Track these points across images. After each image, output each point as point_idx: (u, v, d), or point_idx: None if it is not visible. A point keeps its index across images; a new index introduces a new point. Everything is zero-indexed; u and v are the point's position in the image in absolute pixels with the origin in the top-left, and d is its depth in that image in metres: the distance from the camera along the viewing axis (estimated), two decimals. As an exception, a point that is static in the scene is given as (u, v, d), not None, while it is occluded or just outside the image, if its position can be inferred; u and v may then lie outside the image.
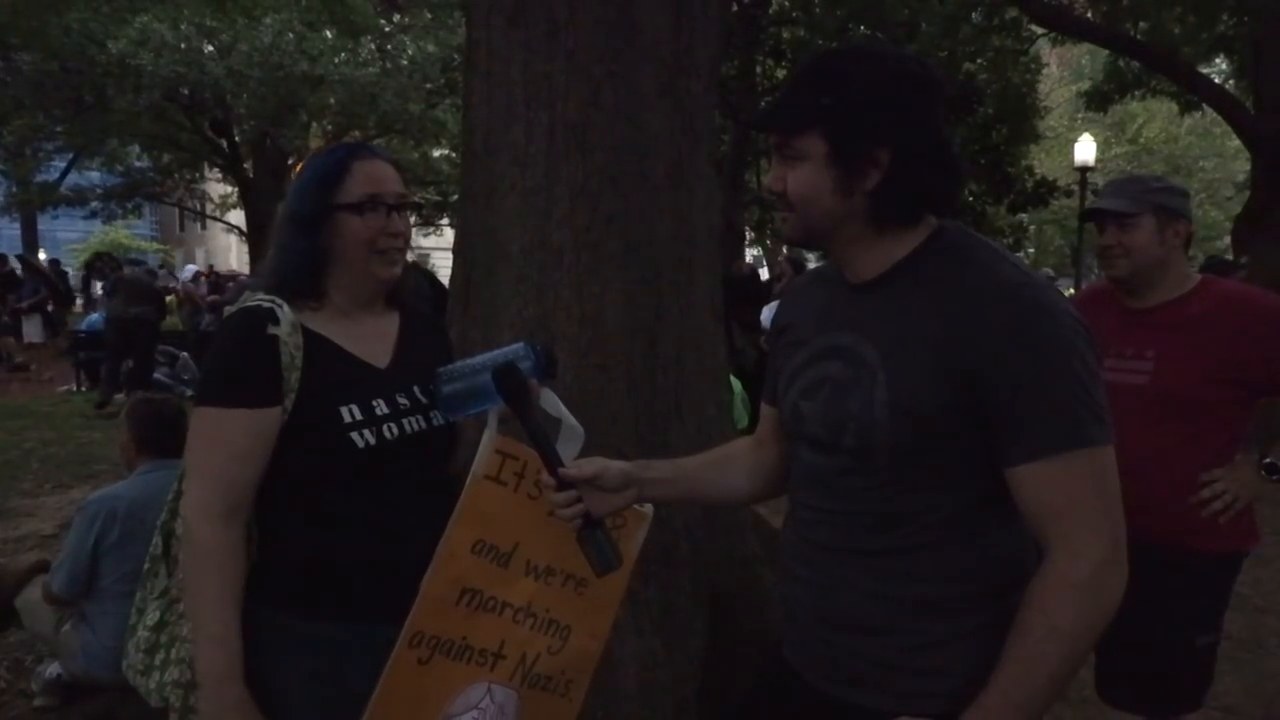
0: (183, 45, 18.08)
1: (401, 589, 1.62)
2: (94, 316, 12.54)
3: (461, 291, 2.76)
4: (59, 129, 21.23)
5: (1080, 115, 27.14)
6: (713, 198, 2.89)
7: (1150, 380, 2.38)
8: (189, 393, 9.08)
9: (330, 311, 1.73)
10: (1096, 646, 1.29)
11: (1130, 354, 2.43)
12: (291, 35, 18.47)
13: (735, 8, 12.62)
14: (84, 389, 11.36)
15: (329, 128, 22.26)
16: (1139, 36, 12.09)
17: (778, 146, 1.40)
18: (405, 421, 1.71)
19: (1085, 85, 18.32)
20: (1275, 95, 9.51)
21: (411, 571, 1.63)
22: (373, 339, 1.77)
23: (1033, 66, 16.48)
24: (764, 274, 15.75)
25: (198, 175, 27.83)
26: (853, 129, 1.33)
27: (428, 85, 19.41)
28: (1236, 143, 15.46)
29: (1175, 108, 15.70)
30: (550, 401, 1.77)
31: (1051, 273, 18.33)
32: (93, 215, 26.89)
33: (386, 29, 21.08)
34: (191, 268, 18.55)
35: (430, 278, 6.39)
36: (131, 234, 39.39)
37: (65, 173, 26.40)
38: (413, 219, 1.92)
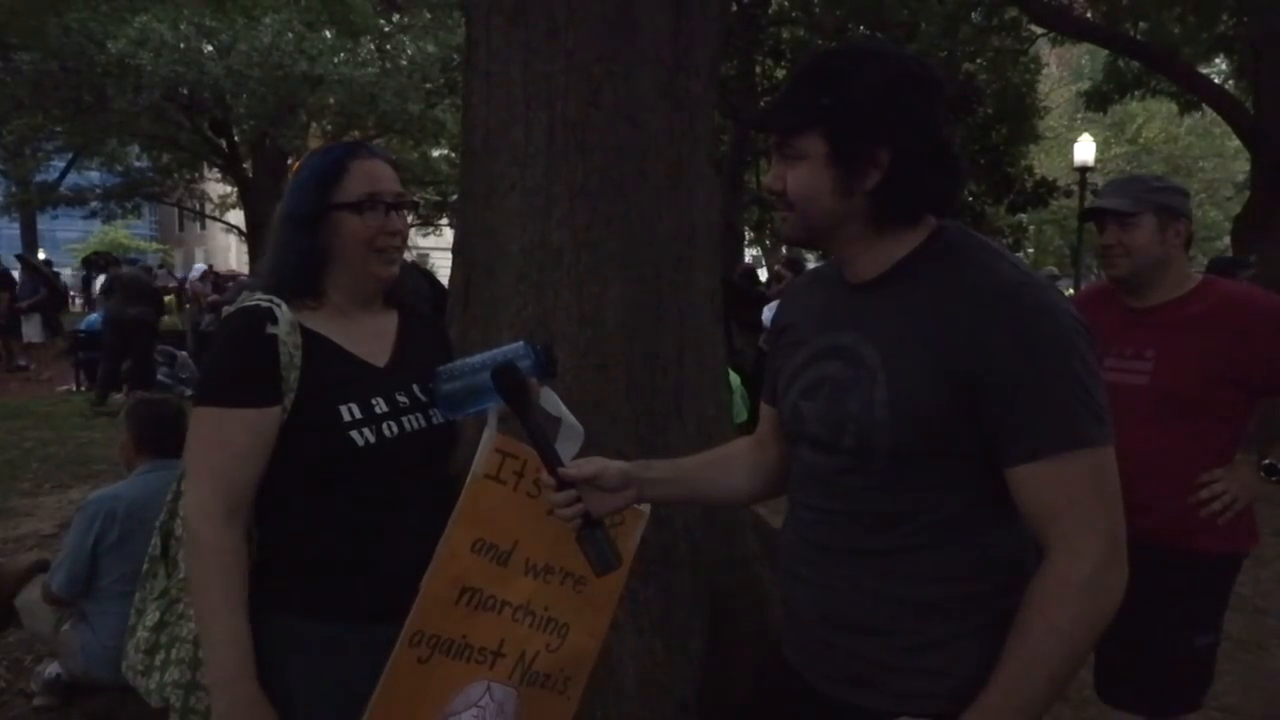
0: (182, 45, 18.07)
1: (401, 588, 1.62)
2: (93, 316, 12.52)
3: (461, 291, 2.75)
4: (58, 129, 21.22)
5: (1080, 115, 27.18)
6: (713, 198, 2.89)
7: (1150, 380, 2.38)
8: (188, 392, 9.08)
9: (329, 311, 1.73)
10: (1096, 646, 1.28)
11: (1130, 354, 2.43)
12: (291, 35, 18.46)
13: (735, 8, 12.61)
14: (83, 389, 11.37)
15: (328, 128, 22.25)
16: (1139, 36, 12.10)
17: (777, 146, 1.40)
18: (405, 420, 1.71)
19: (1085, 85, 18.35)
20: (1275, 95, 9.50)
21: (411, 570, 1.63)
22: (371, 338, 1.77)
23: (1032, 66, 16.48)
24: (763, 274, 15.78)
25: (197, 175, 27.84)
26: (853, 129, 1.32)
27: (427, 85, 19.40)
28: (1236, 143, 15.45)
29: (1175, 108, 15.73)
30: (550, 400, 1.78)
31: (1056, 271, 18.27)
32: (92, 215, 26.91)
33: (386, 29, 21.09)
34: (200, 267, 18.53)
35: (430, 278, 6.38)
36: (131, 234, 39.42)
37: (65, 173, 26.40)
38: (411, 219, 1.92)
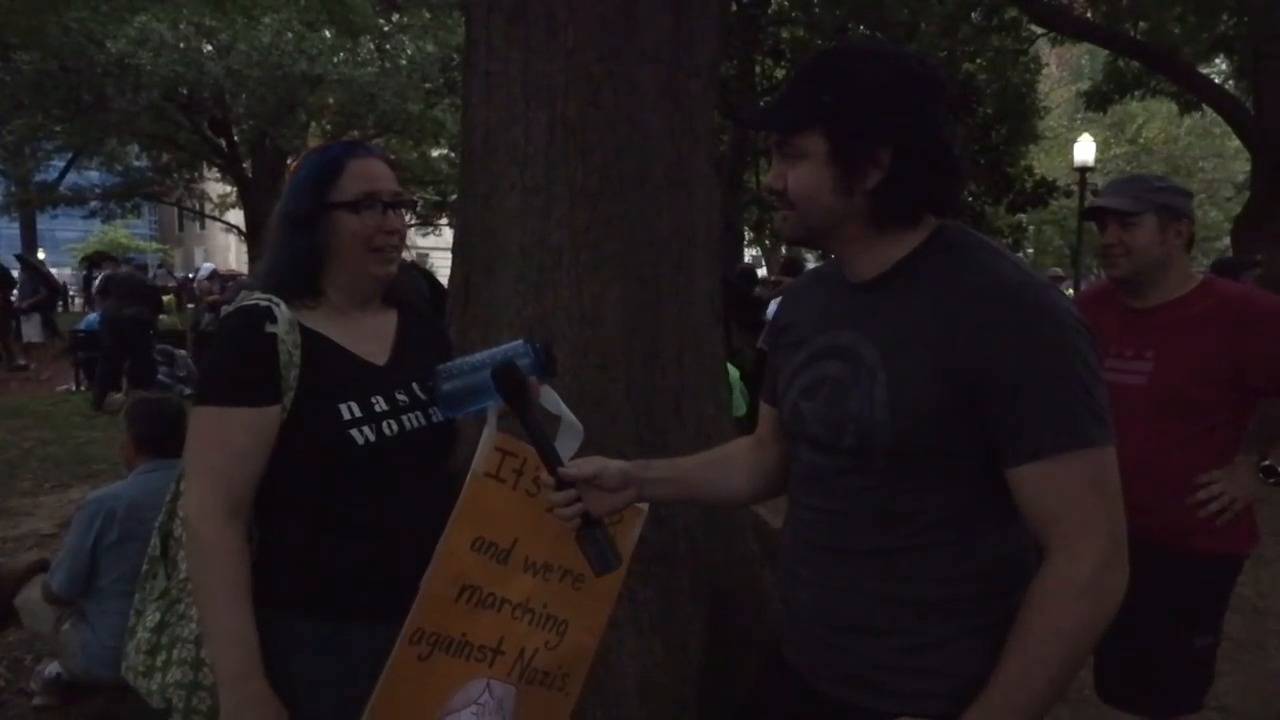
0: (181, 45, 18.10)
1: (401, 586, 1.62)
2: (92, 316, 12.52)
3: (460, 291, 2.75)
4: (58, 128, 21.24)
5: (1080, 115, 27.18)
6: (712, 198, 2.89)
7: (1149, 381, 2.38)
8: (187, 391, 9.08)
9: (328, 310, 1.73)
10: (1096, 646, 1.28)
11: (1130, 354, 2.43)
12: (290, 35, 18.48)
13: (735, 7, 12.62)
14: (83, 388, 11.37)
15: (328, 127, 22.27)
16: (1139, 36, 12.11)
17: (778, 145, 1.40)
18: (404, 418, 1.71)
19: (1085, 85, 18.35)
20: (1275, 95, 9.51)
21: (411, 569, 1.63)
22: (371, 337, 1.77)
23: (1032, 66, 16.49)
24: (763, 273, 15.79)
25: (196, 175, 27.86)
26: (853, 127, 1.32)
27: (426, 85, 19.42)
28: (1236, 143, 15.48)
29: (1175, 108, 15.74)
30: (550, 399, 1.78)
31: (1060, 272, 18.22)
32: (92, 215, 26.94)
33: (385, 29, 21.08)
34: (208, 266, 18.50)
35: (429, 277, 6.37)
36: (130, 234, 39.42)
37: (64, 172, 26.41)
38: (410, 219, 1.92)
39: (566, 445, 1.73)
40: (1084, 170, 17.21)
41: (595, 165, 2.56)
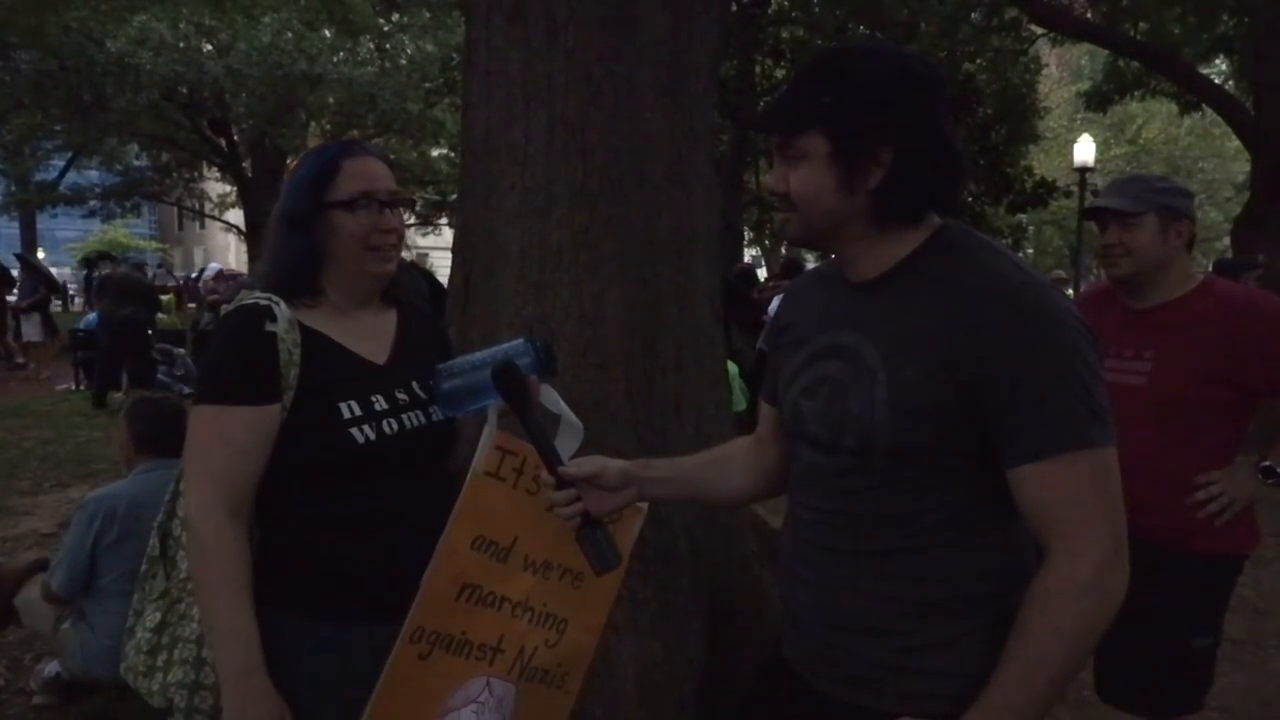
0: (181, 44, 18.10)
1: (402, 585, 1.62)
2: (92, 315, 12.51)
3: (460, 291, 2.75)
4: (58, 128, 21.25)
5: (1079, 116, 27.22)
6: (712, 198, 2.89)
7: (1149, 381, 2.37)
8: (186, 391, 9.07)
9: (327, 309, 1.73)
10: (1096, 647, 1.28)
11: (1129, 355, 2.42)
12: (290, 34, 18.49)
13: (735, 7, 12.62)
14: (83, 387, 11.37)
15: (327, 127, 22.29)
16: (1139, 37, 12.11)
17: (779, 147, 1.40)
18: (405, 417, 1.71)
19: (1084, 86, 18.37)
20: (1275, 96, 9.51)
21: (411, 567, 1.63)
22: (371, 336, 1.77)
23: (1032, 67, 16.50)
24: (762, 274, 15.79)
25: (196, 174, 27.89)
26: (854, 127, 1.32)
27: (426, 85, 19.42)
28: (1236, 143, 15.48)
29: (1175, 108, 15.75)
30: (550, 398, 1.78)
31: (1063, 274, 18.19)
32: (91, 214, 26.95)
33: (385, 28, 21.10)
34: (215, 266, 18.47)
35: (429, 277, 6.38)
36: (130, 233, 39.42)
37: (64, 172, 26.41)
38: (410, 218, 1.92)
39: (566, 445, 1.74)
40: (1084, 171, 17.23)
41: (595, 165, 2.56)
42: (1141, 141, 31.70)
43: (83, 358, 11.66)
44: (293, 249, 1.70)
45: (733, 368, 5.08)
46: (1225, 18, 12.11)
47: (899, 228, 1.38)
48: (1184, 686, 2.43)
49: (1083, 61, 28.75)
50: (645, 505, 1.80)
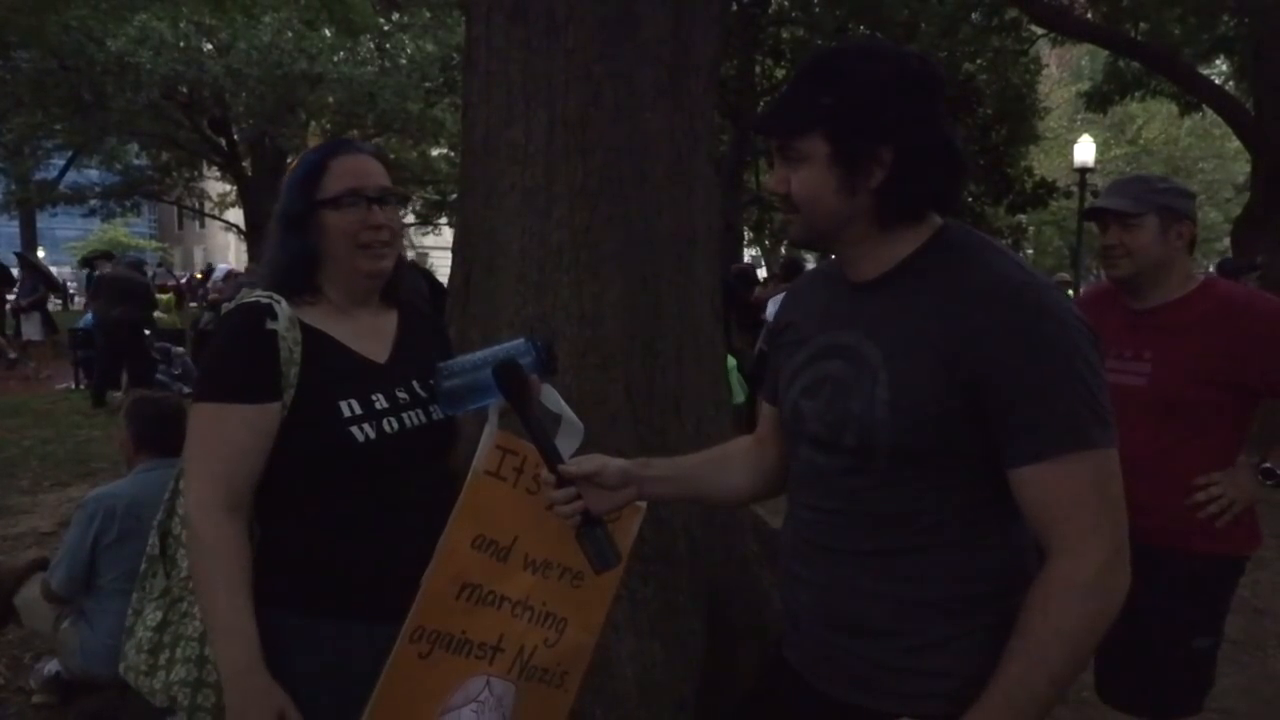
0: (181, 44, 18.10)
1: (402, 584, 1.62)
2: (90, 315, 12.53)
3: (461, 290, 2.75)
4: (58, 127, 21.24)
5: (1080, 116, 27.23)
6: (712, 197, 2.89)
7: (1148, 382, 2.37)
8: (186, 390, 9.07)
9: (327, 308, 1.73)
10: (1097, 648, 1.28)
11: (1129, 355, 2.42)
12: (290, 34, 18.49)
13: (735, 7, 12.61)
14: (82, 386, 11.37)
15: (327, 126, 22.29)
16: (1139, 37, 12.11)
17: (780, 149, 1.39)
18: (405, 416, 1.71)
19: (1085, 86, 18.36)
20: (1275, 96, 9.51)
21: (411, 566, 1.63)
22: (371, 335, 1.77)
23: (1032, 67, 16.49)
24: (762, 273, 15.79)
25: (196, 173, 27.88)
26: (854, 128, 1.32)
27: (426, 84, 19.41)
28: (1236, 144, 15.48)
29: (1175, 109, 15.74)
30: (551, 398, 1.78)
31: (1067, 277, 18.17)
32: (91, 213, 26.93)
33: (385, 28, 21.09)
34: (224, 267, 18.45)
35: (429, 277, 6.38)
36: (130, 232, 39.44)
37: (64, 171, 26.40)
38: (409, 216, 1.92)
39: (567, 444, 1.74)
40: (1084, 171, 17.22)
41: (595, 165, 2.56)
42: (1142, 142, 31.70)
43: (82, 357, 11.67)
44: (289, 249, 1.71)
45: (730, 360, 5.10)
46: (1226, 18, 12.11)
47: (900, 228, 1.38)
48: (1184, 687, 2.42)
49: (1083, 62, 28.74)
50: (644, 504, 1.80)
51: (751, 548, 2.88)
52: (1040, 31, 14.05)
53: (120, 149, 24.57)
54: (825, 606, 1.44)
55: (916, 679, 1.36)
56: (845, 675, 1.43)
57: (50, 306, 15.24)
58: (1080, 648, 1.24)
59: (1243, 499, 2.33)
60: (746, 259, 22.91)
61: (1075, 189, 17.07)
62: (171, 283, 20.70)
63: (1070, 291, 14.96)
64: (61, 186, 25.60)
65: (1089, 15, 12.96)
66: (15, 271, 14.91)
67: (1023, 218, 18.34)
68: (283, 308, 1.64)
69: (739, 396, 5.45)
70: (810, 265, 11.52)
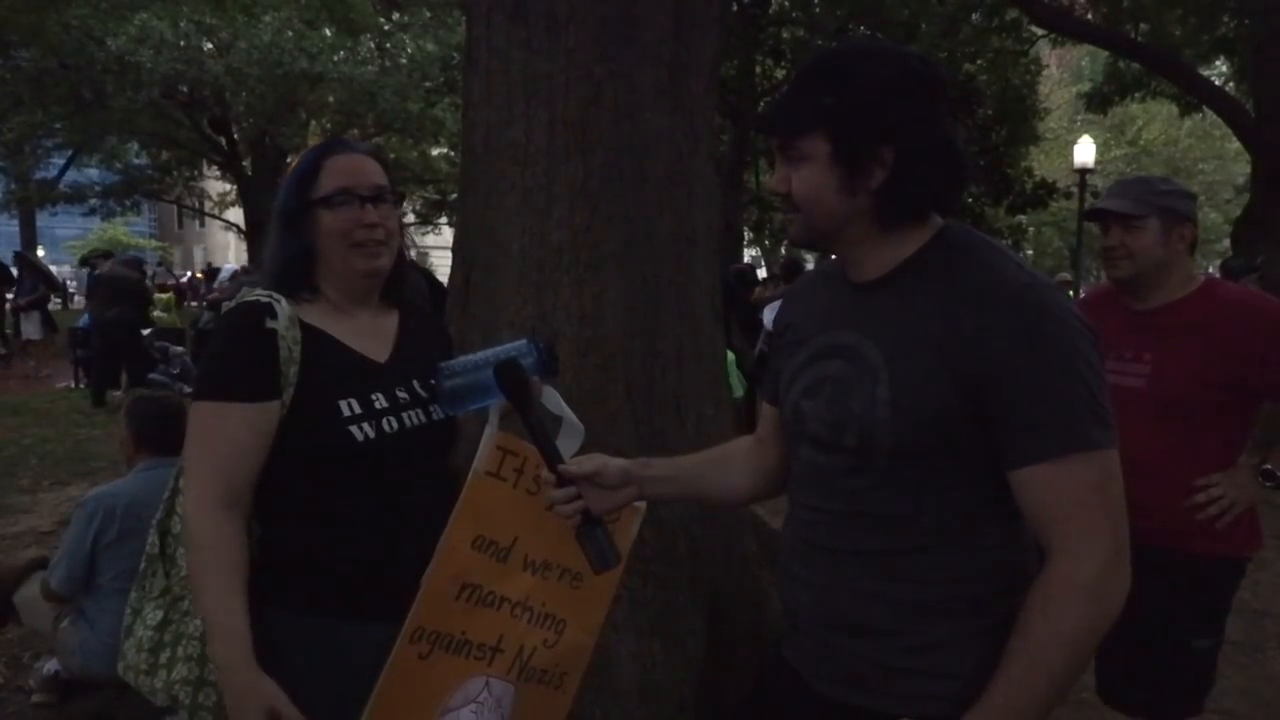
0: (182, 43, 18.09)
1: (401, 584, 1.62)
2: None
3: (461, 290, 2.75)
4: (58, 126, 21.23)
5: (1080, 117, 27.24)
6: (713, 197, 2.88)
7: (1148, 383, 2.37)
8: (186, 390, 9.07)
9: (327, 307, 1.73)
10: (1097, 649, 1.28)
11: (1129, 356, 2.42)
12: (290, 33, 18.49)
13: (735, 8, 12.62)
14: (82, 385, 11.37)
15: (328, 126, 22.30)
16: (1140, 38, 12.12)
17: (781, 148, 1.39)
18: (405, 416, 1.71)
19: (1085, 87, 18.37)
20: (1275, 97, 9.51)
21: (411, 567, 1.63)
22: (371, 334, 1.77)
23: (1032, 68, 16.51)
24: (762, 273, 15.79)
25: (196, 173, 27.87)
26: (855, 128, 1.32)
27: (427, 84, 19.43)
28: (1236, 145, 15.49)
29: (1175, 110, 15.77)
30: (551, 399, 1.78)
31: (1069, 277, 18.16)
32: (91, 212, 26.92)
33: (386, 27, 21.12)
34: (230, 267, 18.43)
35: (429, 276, 6.37)
36: (130, 231, 39.46)
37: (64, 170, 26.39)
38: (409, 216, 1.92)
39: (567, 445, 1.74)
40: (1084, 172, 17.20)
41: (595, 165, 2.56)
42: (1142, 143, 31.72)
43: (81, 356, 11.67)
44: (287, 248, 1.72)
45: (729, 355, 5.11)
46: (1226, 19, 12.13)
47: (901, 228, 1.38)
48: (1185, 689, 2.42)
49: (1083, 63, 28.76)
50: (644, 505, 1.80)
51: (751, 548, 2.88)
52: (1040, 32, 14.07)
53: (120, 148, 24.58)
54: (825, 606, 1.44)
55: (916, 679, 1.36)
56: (845, 675, 1.43)
57: (50, 306, 15.22)
58: (1080, 649, 1.24)
59: (1243, 500, 2.33)
60: (746, 259, 22.91)
61: (1075, 190, 17.06)
62: (171, 282, 20.73)
63: (1071, 292, 14.97)
64: (61, 185, 25.59)
65: (1089, 16, 12.98)
66: (14, 271, 14.90)
67: (1023, 218, 18.36)
68: (283, 307, 1.63)
69: (737, 391, 5.46)
70: (810, 265, 11.53)
